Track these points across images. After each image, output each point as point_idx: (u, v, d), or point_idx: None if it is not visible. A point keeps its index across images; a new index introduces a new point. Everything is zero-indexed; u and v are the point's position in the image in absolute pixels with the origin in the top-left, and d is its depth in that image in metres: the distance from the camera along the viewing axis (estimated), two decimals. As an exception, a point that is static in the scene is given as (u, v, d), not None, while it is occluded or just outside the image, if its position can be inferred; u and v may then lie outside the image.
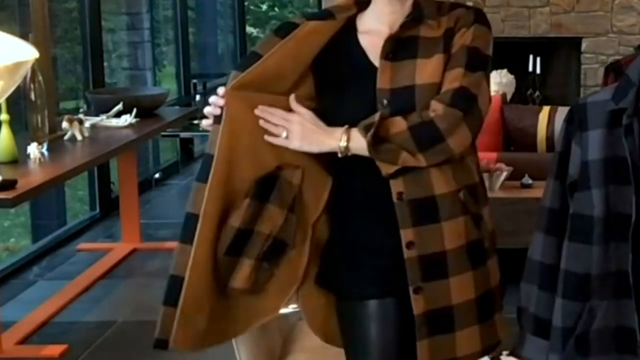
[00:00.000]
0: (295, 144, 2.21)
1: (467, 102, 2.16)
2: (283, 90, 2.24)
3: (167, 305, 2.21)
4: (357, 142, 2.17)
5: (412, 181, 2.19)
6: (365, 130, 2.15)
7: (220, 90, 2.21)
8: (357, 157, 2.19)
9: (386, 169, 2.17)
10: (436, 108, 2.15)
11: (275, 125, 2.21)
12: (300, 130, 2.20)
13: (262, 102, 2.22)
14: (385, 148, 2.15)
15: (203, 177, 2.20)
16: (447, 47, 2.21)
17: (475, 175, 2.30)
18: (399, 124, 2.15)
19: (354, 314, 2.30)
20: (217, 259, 2.20)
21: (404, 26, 2.23)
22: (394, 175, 2.18)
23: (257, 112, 2.21)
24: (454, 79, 2.17)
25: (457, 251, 2.23)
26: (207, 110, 2.24)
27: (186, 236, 2.20)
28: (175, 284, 2.19)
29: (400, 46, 2.22)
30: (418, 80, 2.19)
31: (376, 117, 2.15)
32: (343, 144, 2.18)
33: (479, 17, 2.25)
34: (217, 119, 2.21)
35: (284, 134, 2.21)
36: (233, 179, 2.21)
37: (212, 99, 2.22)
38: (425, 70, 2.20)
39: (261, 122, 2.22)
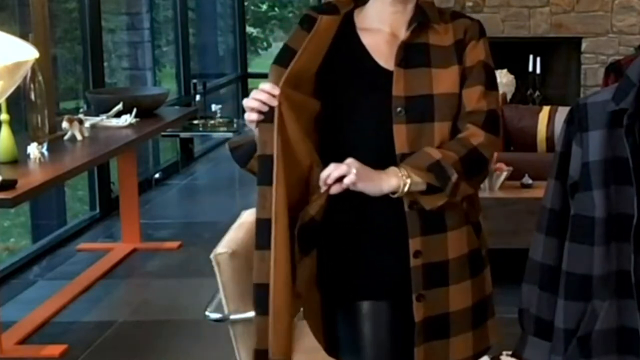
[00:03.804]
0: (360, 185, 2.12)
1: (497, 125, 2.24)
2: (301, 86, 2.21)
3: (259, 315, 2.18)
4: (416, 180, 2.13)
5: None
6: (432, 171, 2.13)
7: (268, 86, 2.13)
8: (373, 163, 2.16)
9: (435, 203, 2.17)
10: (476, 133, 2.19)
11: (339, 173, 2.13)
12: (362, 172, 2.11)
13: (294, 99, 2.17)
14: (449, 186, 2.15)
15: (267, 180, 2.14)
16: (460, 58, 2.24)
17: None
18: (451, 156, 2.16)
19: (347, 315, 2.31)
20: (294, 259, 2.18)
21: (414, 32, 2.23)
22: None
23: (322, 184, 2.13)
24: (480, 98, 2.22)
25: (458, 260, 2.27)
26: (253, 105, 2.14)
27: (262, 242, 2.16)
28: (261, 292, 2.16)
29: (411, 53, 2.23)
30: (435, 90, 2.21)
31: (436, 155, 2.14)
32: (407, 185, 2.13)
33: (483, 30, 2.29)
34: (265, 117, 2.14)
35: (352, 172, 2.10)
36: (289, 179, 2.17)
37: (263, 96, 2.13)
38: (442, 80, 2.22)
39: (333, 177, 2.12)
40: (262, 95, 2.13)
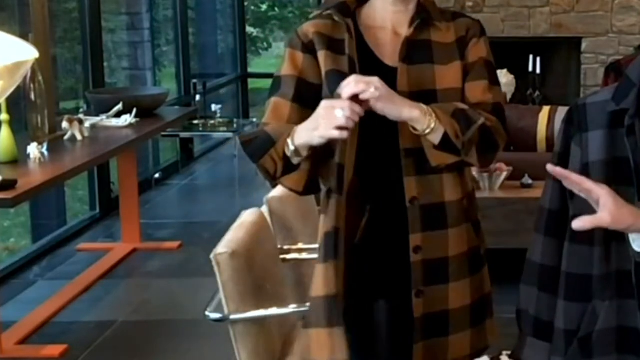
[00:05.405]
0: (379, 105, 2.09)
1: (504, 117, 2.26)
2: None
3: (338, 327, 2.24)
4: (437, 126, 2.12)
5: (426, 187, 2.22)
6: (455, 117, 2.13)
7: (347, 94, 2.07)
8: (377, 157, 2.19)
9: (444, 160, 2.16)
10: (489, 117, 2.20)
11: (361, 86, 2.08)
12: (384, 92, 2.08)
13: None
14: (472, 129, 2.15)
15: (341, 189, 2.19)
16: (463, 54, 2.26)
17: (471, 183, 2.35)
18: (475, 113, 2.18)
19: (346, 312, 2.30)
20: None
21: (417, 29, 2.25)
22: (411, 177, 2.20)
23: (344, 92, 2.07)
24: (485, 92, 2.24)
25: (458, 257, 2.27)
26: (347, 124, 2.06)
27: (332, 253, 2.21)
28: (332, 303, 2.23)
29: (414, 49, 2.24)
30: (439, 85, 2.23)
31: (462, 106, 2.17)
32: (433, 124, 2.11)
33: (483, 29, 2.31)
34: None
35: (372, 89, 2.07)
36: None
37: (355, 107, 2.06)
38: (445, 76, 2.23)
39: (348, 93, 2.07)
40: (352, 106, 2.07)
